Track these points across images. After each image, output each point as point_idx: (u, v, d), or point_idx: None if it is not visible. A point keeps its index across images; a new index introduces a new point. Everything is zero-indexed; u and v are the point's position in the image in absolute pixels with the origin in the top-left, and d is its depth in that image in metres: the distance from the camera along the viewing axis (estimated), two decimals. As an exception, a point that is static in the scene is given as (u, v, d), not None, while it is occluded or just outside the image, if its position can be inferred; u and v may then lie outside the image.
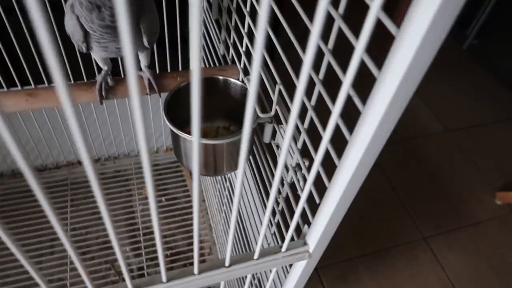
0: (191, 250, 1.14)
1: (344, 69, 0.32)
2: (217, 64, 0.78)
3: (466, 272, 1.37)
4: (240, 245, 0.82)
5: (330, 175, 0.40)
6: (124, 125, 1.19)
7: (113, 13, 0.46)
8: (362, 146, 0.28)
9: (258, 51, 0.20)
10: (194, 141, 0.25)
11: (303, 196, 0.37)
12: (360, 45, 0.21)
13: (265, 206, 0.60)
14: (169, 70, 1.02)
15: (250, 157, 0.61)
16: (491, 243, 1.45)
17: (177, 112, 0.53)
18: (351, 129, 0.35)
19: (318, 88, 0.35)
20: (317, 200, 0.40)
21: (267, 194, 0.60)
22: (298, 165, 0.47)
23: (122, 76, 0.90)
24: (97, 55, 0.55)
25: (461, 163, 1.69)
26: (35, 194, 0.24)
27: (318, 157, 0.32)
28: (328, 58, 0.32)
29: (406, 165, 1.67)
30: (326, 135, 0.29)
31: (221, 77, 0.57)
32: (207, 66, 0.87)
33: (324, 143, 0.30)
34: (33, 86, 0.79)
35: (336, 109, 0.27)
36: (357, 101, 0.28)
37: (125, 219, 1.19)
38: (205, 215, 1.21)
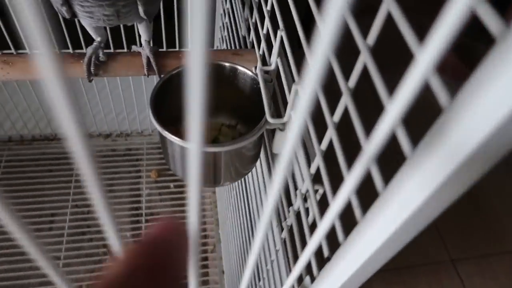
0: (194, 245, 1.05)
1: (389, 78, 0.21)
2: (236, 46, 0.67)
3: (495, 306, 1.23)
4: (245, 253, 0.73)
5: (345, 222, 0.29)
6: (139, 101, 1.10)
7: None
8: (405, 207, 0.17)
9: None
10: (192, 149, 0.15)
11: (310, 247, 0.26)
12: (427, 57, 0.10)
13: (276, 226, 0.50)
14: (177, 47, 0.91)
15: (256, 167, 0.51)
16: (529, 277, 1.29)
17: (168, 104, 0.43)
18: (387, 170, 0.24)
19: (345, 100, 0.24)
20: (325, 252, 0.29)
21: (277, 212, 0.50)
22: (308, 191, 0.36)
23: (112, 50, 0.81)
24: (85, 23, 0.46)
25: (505, 181, 1.52)
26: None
27: (333, 210, 0.21)
28: (365, 59, 0.21)
29: (442, 177, 1.51)
30: (348, 184, 0.18)
31: (227, 64, 0.46)
32: (227, 47, 0.76)
33: (344, 194, 0.19)
34: (13, 50, 0.71)
35: (369, 150, 0.16)
36: (404, 140, 0.17)
37: (130, 202, 1.11)
38: (214, 208, 1.12)
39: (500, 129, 0.10)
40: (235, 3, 0.69)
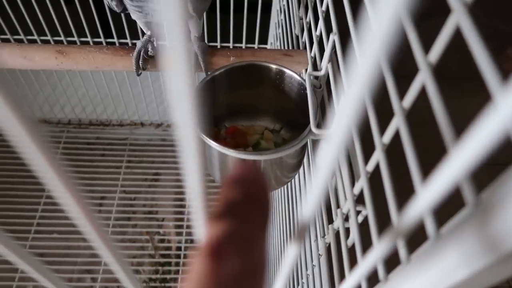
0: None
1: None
2: (289, 45, 0.64)
3: None
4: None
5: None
6: (190, 94, 1.11)
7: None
8: (444, 279, 0.14)
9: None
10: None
11: (348, 283, 0.24)
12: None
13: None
14: (231, 43, 0.90)
15: (299, 173, 0.48)
16: None
17: (211, 104, 0.41)
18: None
19: (397, 122, 0.21)
20: (363, 286, 0.26)
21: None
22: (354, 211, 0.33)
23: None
24: (135, 17, 0.46)
25: None
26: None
27: (373, 255, 0.18)
28: (424, 79, 0.18)
29: None
30: (396, 229, 0.15)
31: (274, 66, 0.44)
32: (280, 45, 0.74)
33: (388, 241, 0.16)
34: (63, 38, 0.74)
35: (423, 201, 0.13)
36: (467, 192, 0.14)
37: (174, 192, 1.13)
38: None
39: None
40: (291, 0, 0.66)
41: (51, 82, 1.10)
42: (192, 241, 1.05)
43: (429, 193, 0.12)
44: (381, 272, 0.22)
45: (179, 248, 1.03)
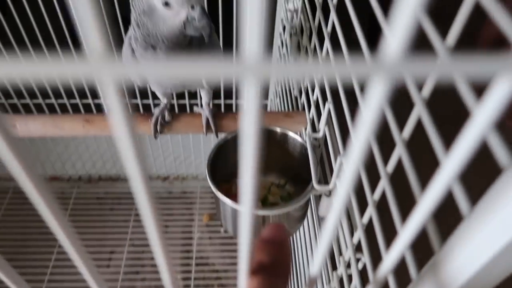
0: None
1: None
2: (289, 105, 0.71)
3: None
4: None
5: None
6: (196, 146, 1.17)
7: (168, 55, 0.42)
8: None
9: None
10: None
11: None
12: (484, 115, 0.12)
13: None
14: (233, 100, 0.98)
15: (303, 225, 0.52)
16: None
17: (224, 161, 0.47)
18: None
19: (383, 184, 0.26)
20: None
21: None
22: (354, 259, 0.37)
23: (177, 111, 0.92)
24: (155, 89, 0.52)
25: None
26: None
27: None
28: (400, 152, 0.23)
29: None
30: (385, 267, 0.20)
31: (279, 130, 0.50)
32: (280, 105, 0.81)
33: (381, 275, 0.21)
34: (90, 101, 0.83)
35: (404, 237, 0.18)
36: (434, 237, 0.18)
37: (181, 244, 1.16)
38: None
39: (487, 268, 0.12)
40: (289, 62, 0.73)
41: (64, 140, 1.16)
42: (200, 292, 1.06)
43: (405, 234, 0.17)
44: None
45: (187, 301, 1.04)
